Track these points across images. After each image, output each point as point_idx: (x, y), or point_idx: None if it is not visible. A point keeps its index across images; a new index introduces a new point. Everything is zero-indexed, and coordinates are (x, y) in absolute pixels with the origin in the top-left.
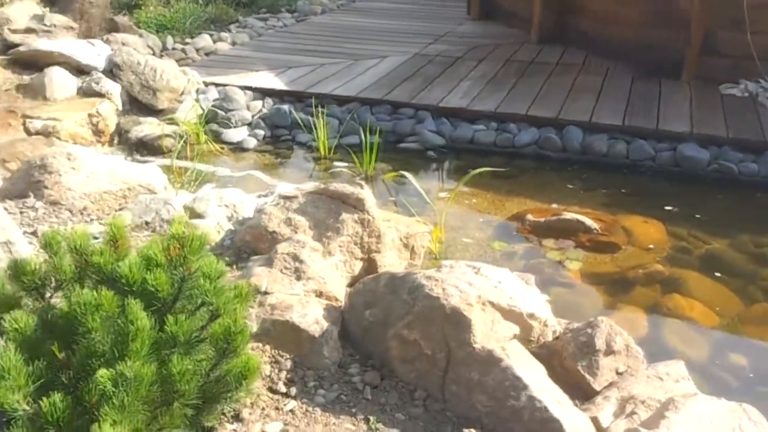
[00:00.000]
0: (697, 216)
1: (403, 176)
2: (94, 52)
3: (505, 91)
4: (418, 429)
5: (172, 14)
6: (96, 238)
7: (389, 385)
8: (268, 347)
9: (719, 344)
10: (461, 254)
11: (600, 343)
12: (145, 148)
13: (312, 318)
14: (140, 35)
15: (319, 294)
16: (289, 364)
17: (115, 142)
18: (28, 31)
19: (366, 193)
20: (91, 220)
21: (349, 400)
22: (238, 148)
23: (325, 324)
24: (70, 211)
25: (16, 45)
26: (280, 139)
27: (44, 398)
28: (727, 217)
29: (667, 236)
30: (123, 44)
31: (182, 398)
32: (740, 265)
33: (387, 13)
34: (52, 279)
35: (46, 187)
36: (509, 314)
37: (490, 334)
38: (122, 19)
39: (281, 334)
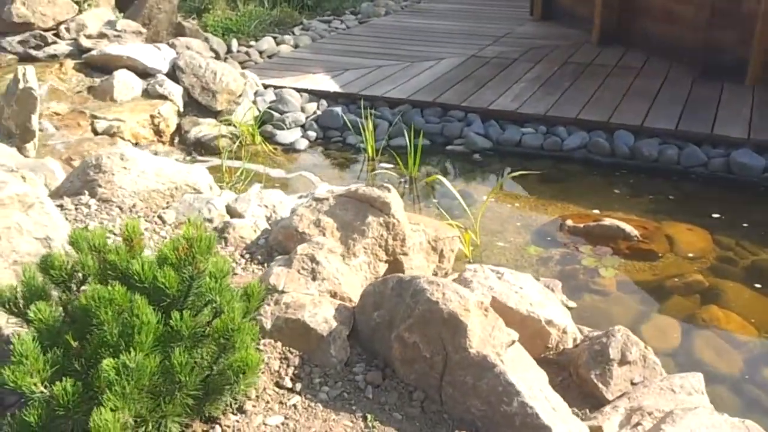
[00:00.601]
0: (746, 225)
1: (441, 178)
2: (159, 56)
3: (558, 94)
4: (414, 429)
5: (238, 17)
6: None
7: (390, 385)
8: (279, 344)
9: (754, 359)
10: (496, 258)
11: (614, 353)
12: (203, 147)
13: (322, 317)
14: (206, 39)
15: (334, 294)
16: (297, 360)
17: (175, 141)
18: (101, 36)
19: (392, 196)
20: (139, 217)
21: (350, 398)
22: (290, 149)
23: (334, 323)
24: (120, 208)
25: (90, 49)
26: (332, 140)
27: (57, 382)
28: None
29: (712, 245)
30: (187, 48)
31: (184, 388)
32: None
33: (449, 14)
34: (79, 274)
35: (99, 186)
36: (527, 320)
37: (488, 340)
38: (189, 23)
39: (292, 331)
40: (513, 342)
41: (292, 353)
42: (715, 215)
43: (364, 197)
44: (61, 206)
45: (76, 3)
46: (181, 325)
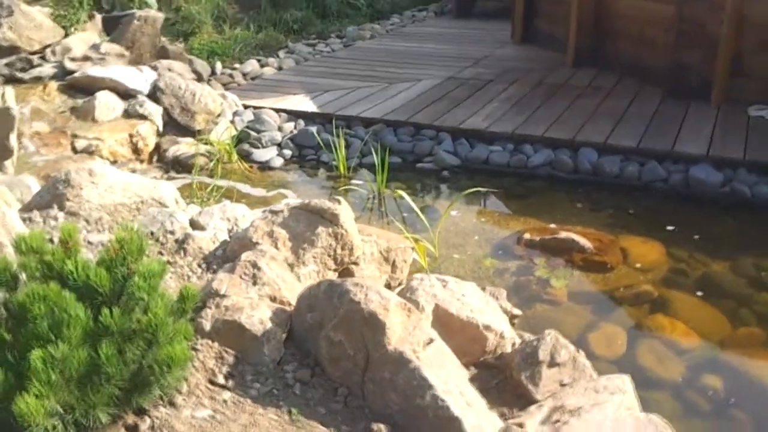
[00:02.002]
0: (700, 238)
1: (411, 194)
2: (141, 78)
3: (528, 113)
4: (335, 422)
5: (223, 41)
6: (102, 245)
7: (318, 382)
8: (216, 344)
9: (696, 365)
10: (454, 270)
11: (543, 355)
12: (181, 165)
13: (258, 319)
14: (190, 61)
15: (273, 299)
16: (231, 359)
17: (154, 159)
18: (85, 58)
19: (342, 208)
20: (104, 229)
21: (279, 394)
22: (265, 166)
23: (270, 325)
24: (87, 221)
25: (74, 71)
26: (306, 158)
27: None
28: (733, 240)
29: (665, 257)
30: (169, 70)
31: (111, 380)
32: (737, 288)
33: (432, 38)
34: (23, 275)
35: (67, 199)
36: (467, 325)
37: (407, 338)
38: (173, 46)
39: (229, 332)
40: (431, 341)
41: (227, 353)
42: (670, 228)
43: (315, 209)
44: (29, 219)
45: (63, 27)
46: (110, 321)
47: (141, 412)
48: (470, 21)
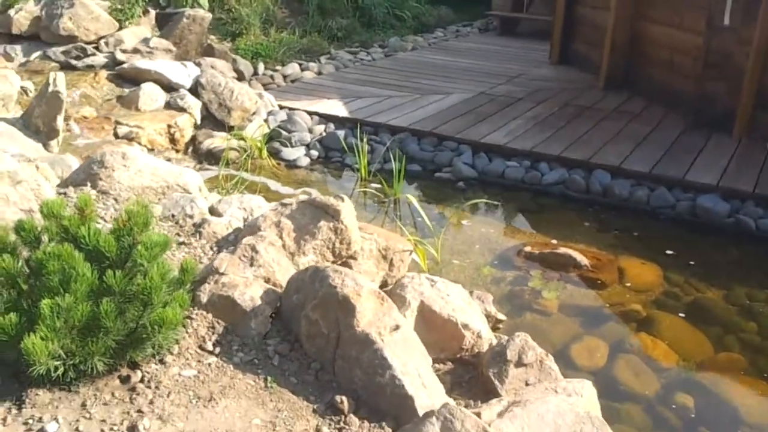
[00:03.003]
0: (699, 265)
1: (422, 200)
2: (184, 73)
3: (549, 132)
4: (305, 392)
5: (268, 43)
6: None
7: (295, 356)
8: (210, 315)
9: (671, 383)
10: (454, 275)
11: (511, 355)
12: (213, 158)
13: (249, 296)
14: (233, 60)
15: (267, 280)
16: (221, 329)
17: (189, 151)
18: (135, 51)
19: (344, 205)
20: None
21: (259, 363)
22: (292, 165)
23: (259, 302)
24: (116, 200)
25: (123, 62)
26: (331, 160)
27: (6, 315)
28: (731, 270)
29: (661, 280)
30: (212, 67)
31: (109, 333)
32: (726, 316)
33: (472, 53)
34: (45, 237)
35: (100, 179)
36: (447, 323)
37: (375, 322)
38: (219, 45)
39: (222, 305)
40: (398, 327)
41: (219, 323)
42: (670, 252)
43: (320, 204)
44: (65, 194)
45: (118, 21)
46: (113, 282)
47: (134, 366)
48: (513, 39)
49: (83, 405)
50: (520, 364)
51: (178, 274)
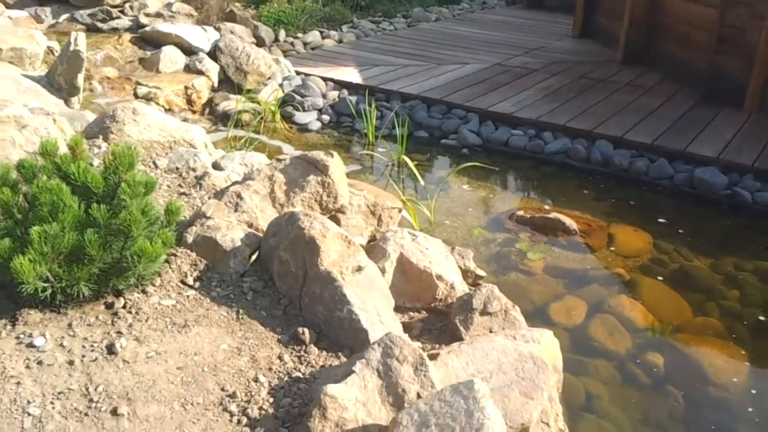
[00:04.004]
0: (690, 234)
1: (424, 165)
2: (204, 37)
3: (558, 103)
4: (272, 325)
5: (291, 11)
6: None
7: (267, 293)
8: (193, 254)
9: (643, 343)
10: (446, 234)
11: (477, 303)
12: (228, 120)
13: (230, 238)
14: (255, 27)
15: (250, 225)
16: (203, 267)
17: (206, 112)
18: (158, 15)
19: (333, 161)
20: (140, 161)
21: (234, 298)
22: (304, 128)
23: (239, 244)
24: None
25: (146, 26)
26: (342, 125)
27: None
28: (721, 240)
29: (650, 247)
30: (231, 32)
31: (93, 261)
32: (710, 283)
33: (496, 26)
34: (42, 175)
35: (111, 132)
36: (423, 273)
37: (339, 262)
38: (242, 12)
39: (206, 246)
40: (360, 268)
41: (201, 262)
42: (662, 221)
43: (311, 159)
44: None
45: None
46: (98, 215)
47: (118, 294)
48: (539, 12)
49: (69, 325)
50: (485, 312)
51: (165, 215)
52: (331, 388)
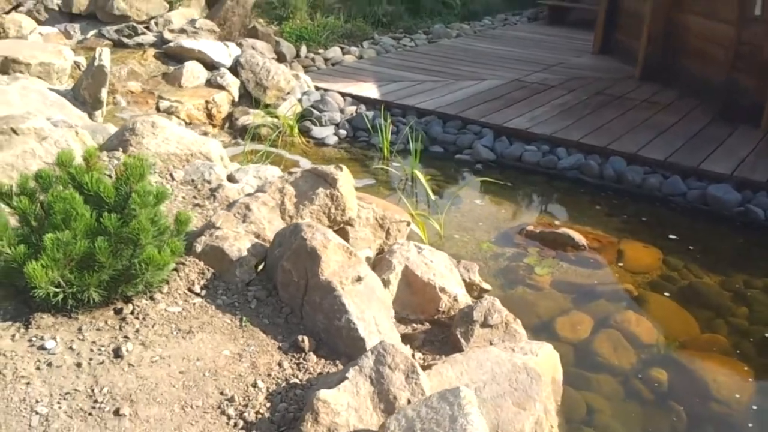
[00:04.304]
0: (701, 251)
1: (438, 179)
2: (225, 52)
3: (573, 119)
4: (274, 332)
5: (313, 27)
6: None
7: (270, 301)
8: (201, 263)
9: (648, 359)
10: (455, 248)
11: (478, 316)
12: (247, 133)
13: (237, 248)
14: (276, 43)
15: (257, 235)
16: (210, 275)
17: (226, 126)
18: (181, 31)
19: (342, 174)
20: (155, 172)
21: (238, 306)
22: (321, 143)
23: (245, 253)
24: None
25: (170, 41)
26: (358, 139)
27: (15, 246)
28: (732, 258)
29: (659, 263)
30: (252, 48)
31: (103, 268)
32: (719, 300)
33: (516, 42)
34: (59, 185)
35: (131, 145)
36: (427, 286)
37: (339, 272)
38: (264, 28)
39: (213, 255)
40: (360, 279)
41: (208, 270)
42: (673, 237)
43: (320, 173)
44: (98, 157)
45: (168, 2)
46: (109, 223)
47: (127, 300)
48: (561, 29)
49: (79, 329)
50: (485, 324)
51: (174, 225)
52: (323, 394)
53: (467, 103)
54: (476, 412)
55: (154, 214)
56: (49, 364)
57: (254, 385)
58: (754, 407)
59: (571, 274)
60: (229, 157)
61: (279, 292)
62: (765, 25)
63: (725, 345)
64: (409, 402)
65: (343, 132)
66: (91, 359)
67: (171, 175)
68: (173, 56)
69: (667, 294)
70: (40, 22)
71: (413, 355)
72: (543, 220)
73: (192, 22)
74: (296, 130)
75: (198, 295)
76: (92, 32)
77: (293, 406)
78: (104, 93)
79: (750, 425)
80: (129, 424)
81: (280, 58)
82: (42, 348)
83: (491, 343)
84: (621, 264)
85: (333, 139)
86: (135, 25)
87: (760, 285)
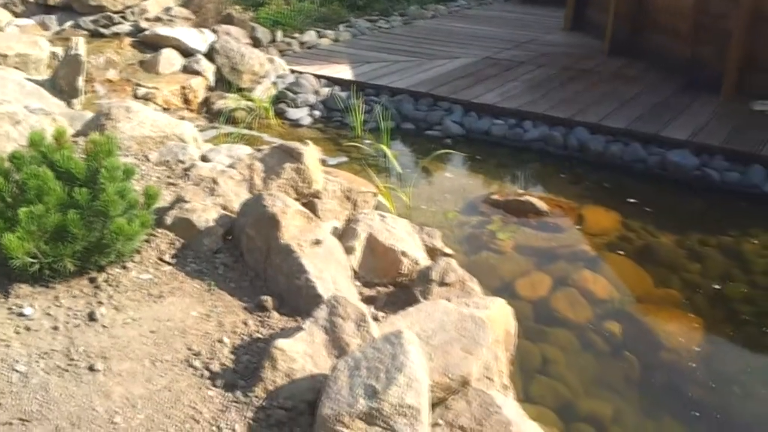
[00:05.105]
0: (659, 213)
1: (407, 154)
2: (200, 39)
3: (541, 93)
4: (240, 294)
5: (288, 12)
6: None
7: (237, 267)
8: (171, 234)
9: (603, 313)
10: (423, 218)
11: (435, 275)
12: (222, 116)
13: (204, 219)
14: (252, 28)
15: (224, 207)
16: (179, 245)
17: (203, 111)
18: (157, 19)
19: (307, 149)
20: (131, 155)
21: (206, 272)
22: (296, 124)
23: (213, 224)
24: (119, 147)
25: (145, 30)
26: (332, 119)
27: None
28: (689, 218)
29: (618, 225)
30: (227, 34)
31: (76, 239)
32: (674, 258)
33: (490, 21)
34: (33, 164)
35: (106, 129)
36: (389, 251)
37: (298, 236)
38: (240, 14)
39: (182, 226)
40: (318, 242)
41: (178, 241)
42: (632, 200)
43: (286, 148)
44: (75, 142)
45: None
46: (80, 197)
47: (101, 269)
48: (534, 7)
49: (56, 297)
50: (442, 283)
51: (144, 199)
52: (280, 342)
53: (438, 81)
54: (415, 350)
55: (123, 188)
56: (28, 329)
57: (220, 341)
58: (703, 355)
59: (532, 238)
60: (206, 141)
61: (244, 258)
62: None
63: (677, 298)
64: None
65: (317, 113)
66: (67, 323)
67: (146, 156)
68: (149, 44)
69: (622, 252)
70: (16, 15)
71: (377, 316)
72: (508, 189)
73: (167, 10)
74: (271, 113)
75: (168, 263)
76: (69, 23)
77: (256, 358)
78: (81, 81)
79: (699, 371)
80: (103, 378)
81: (256, 43)
82: (21, 314)
83: (448, 301)
84: (581, 227)
85: (307, 120)
86: (111, 14)
87: (714, 243)
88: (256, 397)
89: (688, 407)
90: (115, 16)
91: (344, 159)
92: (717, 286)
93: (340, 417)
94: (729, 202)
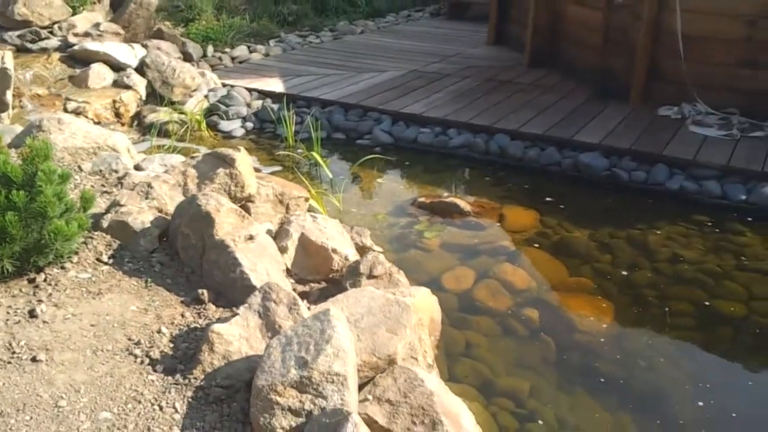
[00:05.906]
0: (574, 211)
1: (338, 162)
2: (131, 54)
3: (465, 103)
4: (177, 289)
5: (219, 27)
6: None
7: (173, 264)
8: (108, 236)
9: (522, 302)
10: (353, 220)
11: (364, 269)
12: (153, 128)
13: (140, 221)
14: (183, 44)
15: (160, 210)
16: (116, 246)
17: (135, 124)
18: (86, 35)
19: (240, 155)
20: (64, 165)
21: (144, 271)
22: (228, 136)
23: (148, 225)
24: (52, 159)
25: (74, 45)
26: (265, 131)
27: None
28: (600, 215)
29: (537, 223)
30: (157, 48)
31: (14, 241)
32: (586, 250)
33: (417, 36)
34: None
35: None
36: (320, 249)
37: (232, 233)
38: (170, 29)
39: (119, 228)
40: (252, 237)
41: (115, 242)
42: (549, 200)
43: (219, 155)
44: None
45: (72, 7)
46: (17, 199)
47: (39, 270)
48: (461, 23)
49: None
50: (371, 276)
51: (80, 202)
52: (217, 327)
53: (368, 93)
54: (342, 325)
55: (60, 191)
56: None
57: (159, 331)
58: (611, 333)
59: (457, 236)
60: (140, 152)
61: (180, 256)
62: (628, 10)
63: (590, 286)
64: None
65: (250, 125)
66: (7, 320)
67: (79, 167)
68: (79, 59)
69: (539, 246)
70: None
71: (309, 309)
72: (434, 192)
73: (96, 25)
74: (204, 125)
75: (106, 263)
76: None
77: (194, 345)
78: (9, 95)
79: (611, 351)
80: (45, 368)
81: (187, 57)
82: None
83: None
84: (502, 225)
85: (240, 132)
86: (38, 29)
87: (623, 235)
88: (195, 378)
89: (598, 380)
90: (43, 31)
91: (278, 168)
92: (625, 273)
93: (274, 386)
94: (637, 198)
